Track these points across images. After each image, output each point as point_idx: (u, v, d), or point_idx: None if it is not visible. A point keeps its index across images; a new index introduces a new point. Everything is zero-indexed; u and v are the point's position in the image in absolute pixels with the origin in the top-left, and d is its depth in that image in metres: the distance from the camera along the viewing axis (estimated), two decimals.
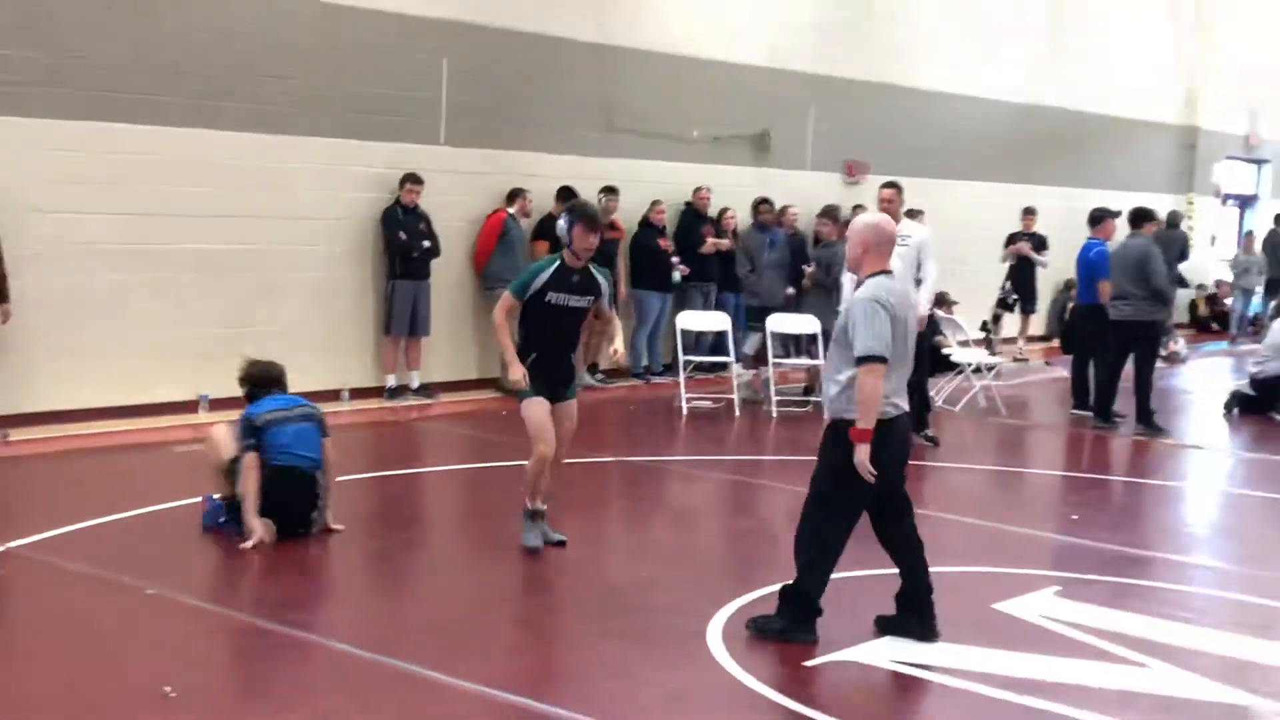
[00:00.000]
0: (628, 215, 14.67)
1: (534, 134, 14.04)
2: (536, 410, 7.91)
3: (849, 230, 6.81)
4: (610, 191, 14.28)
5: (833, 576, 6.68)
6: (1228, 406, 14.74)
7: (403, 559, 8.22)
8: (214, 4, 11.63)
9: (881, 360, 6.33)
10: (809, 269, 14.04)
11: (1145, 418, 13.19)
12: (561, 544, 8.17)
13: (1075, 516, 9.90)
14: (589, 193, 14.17)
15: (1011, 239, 18.34)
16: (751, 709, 5.86)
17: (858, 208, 15.90)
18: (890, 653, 6.49)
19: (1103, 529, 9.46)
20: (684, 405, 13.26)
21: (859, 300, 6.48)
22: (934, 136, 18.51)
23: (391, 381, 12.95)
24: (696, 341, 14.74)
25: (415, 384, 13.05)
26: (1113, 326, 13.18)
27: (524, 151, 13.92)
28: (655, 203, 14.78)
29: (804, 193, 16.36)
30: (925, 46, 18.49)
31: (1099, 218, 14.18)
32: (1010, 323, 18.55)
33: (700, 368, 14.61)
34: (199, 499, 8.39)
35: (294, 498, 8.17)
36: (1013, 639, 6.83)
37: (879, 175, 17.32)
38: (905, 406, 6.61)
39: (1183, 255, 21.39)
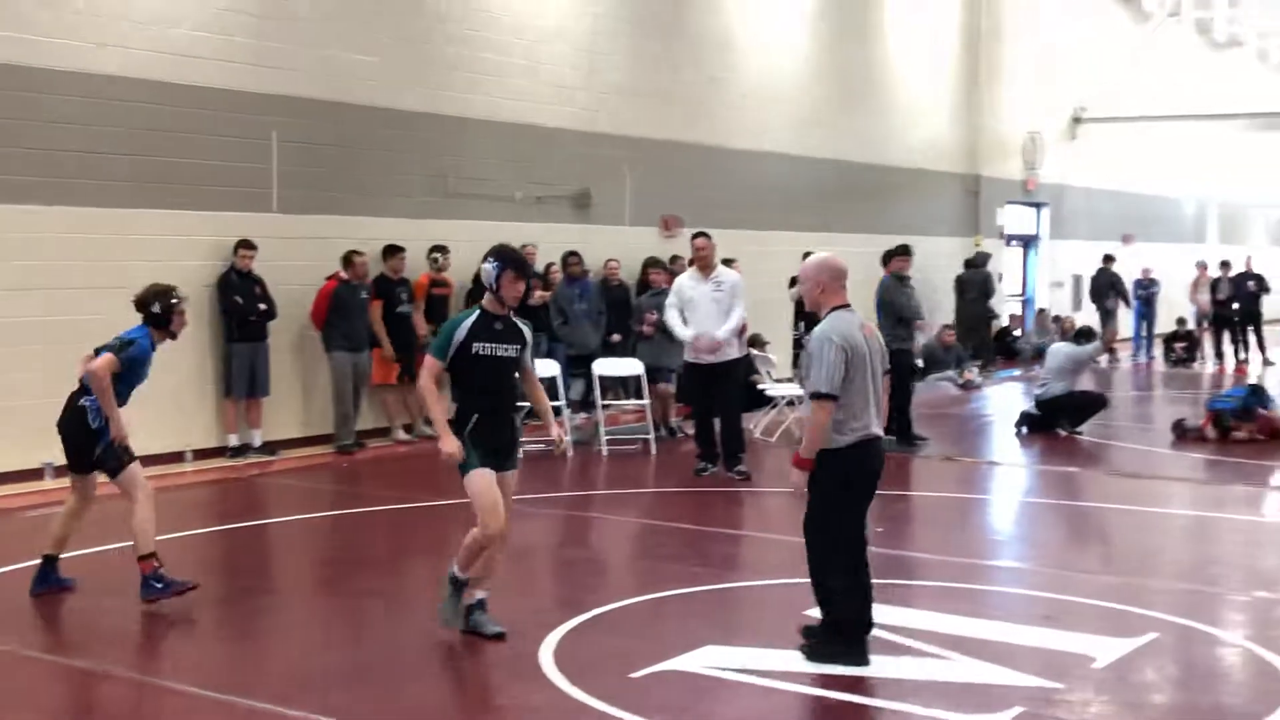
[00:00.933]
0: (459, 273, 14.69)
1: (364, 199, 14.00)
2: (482, 482, 6.82)
3: (802, 272, 6.65)
4: (441, 250, 14.32)
5: (656, 595, 6.75)
6: (1018, 426, 15.24)
7: (246, 604, 8.09)
8: (51, 84, 11.40)
9: (831, 398, 6.33)
10: (653, 316, 14.09)
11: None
12: (499, 637, 6.93)
13: (880, 529, 10.13)
14: (419, 252, 14.23)
15: (794, 280, 18.77)
16: (579, 717, 5.92)
17: (675, 259, 16.15)
18: (708, 660, 6.59)
19: (905, 539, 9.74)
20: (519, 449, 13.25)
21: (815, 337, 6.48)
22: (742, 191, 18.87)
23: (234, 441, 12.76)
24: None
25: (257, 442, 12.86)
26: None
27: (355, 216, 13.87)
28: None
29: (625, 246, 16.57)
30: (732, 108, 18.88)
31: (890, 257, 14.71)
32: None
33: (534, 413, 14.59)
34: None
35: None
36: None
37: (693, 228, 17.71)
38: (878, 430, 6.58)
39: (987, 292, 22.36)
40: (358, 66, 13.81)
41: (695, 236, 12.30)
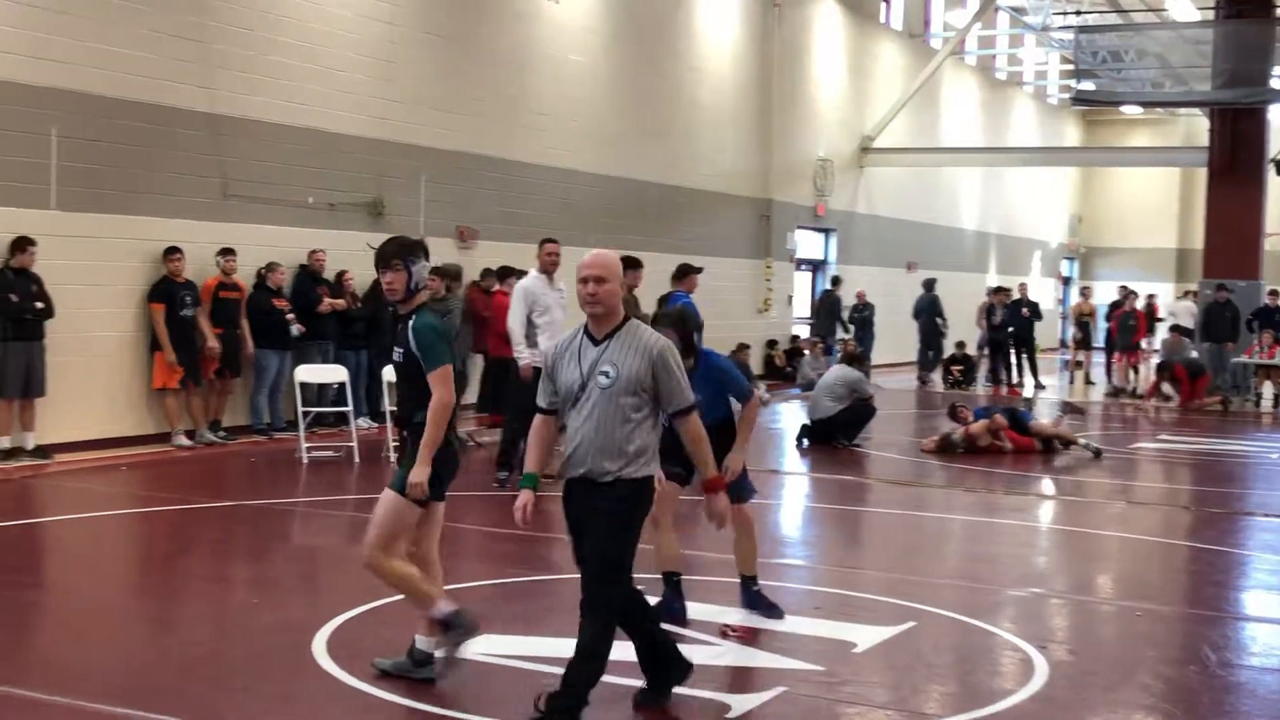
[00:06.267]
0: (247, 277, 14.49)
1: (148, 199, 13.68)
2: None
3: (613, 268, 5.66)
4: (228, 253, 14.10)
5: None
6: (799, 439, 15.69)
7: (12, 599, 7.86)
8: None
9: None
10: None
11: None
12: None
13: None
14: (206, 255, 13.99)
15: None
16: (348, 701, 5.95)
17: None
18: (480, 647, 6.62)
19: (691, 540, 9.87)
20: (304, 455, 13.11)
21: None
22: (536, 205, 18.99)
23: (5, 443, 12.29)
24: (319, 395, 14.61)
25: (30, 445, 12.42)
26: None
27: (138, 216, 13.55)
28: (272, 264, 14.64)
29: None
30: (528, 124, 18.98)
31: (684, 273, 14.95)
32: None
33: (322, 420, 14.48)
34: None
35: None
36: None
37: (487, 241, 17.84)
38: None
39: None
40: (141, 63, 13.50)
41: (546, 242, 12.14)
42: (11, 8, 12.38)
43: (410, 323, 6.11)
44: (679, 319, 7.35)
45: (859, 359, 16.42)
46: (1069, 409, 15.98)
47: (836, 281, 26.25)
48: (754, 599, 7.66)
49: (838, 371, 16.14)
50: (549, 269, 11.94)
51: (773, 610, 7.57)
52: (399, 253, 6.14)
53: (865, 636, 7.20)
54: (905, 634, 7.33)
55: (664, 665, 6.01)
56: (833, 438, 15.48)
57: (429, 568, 6.32)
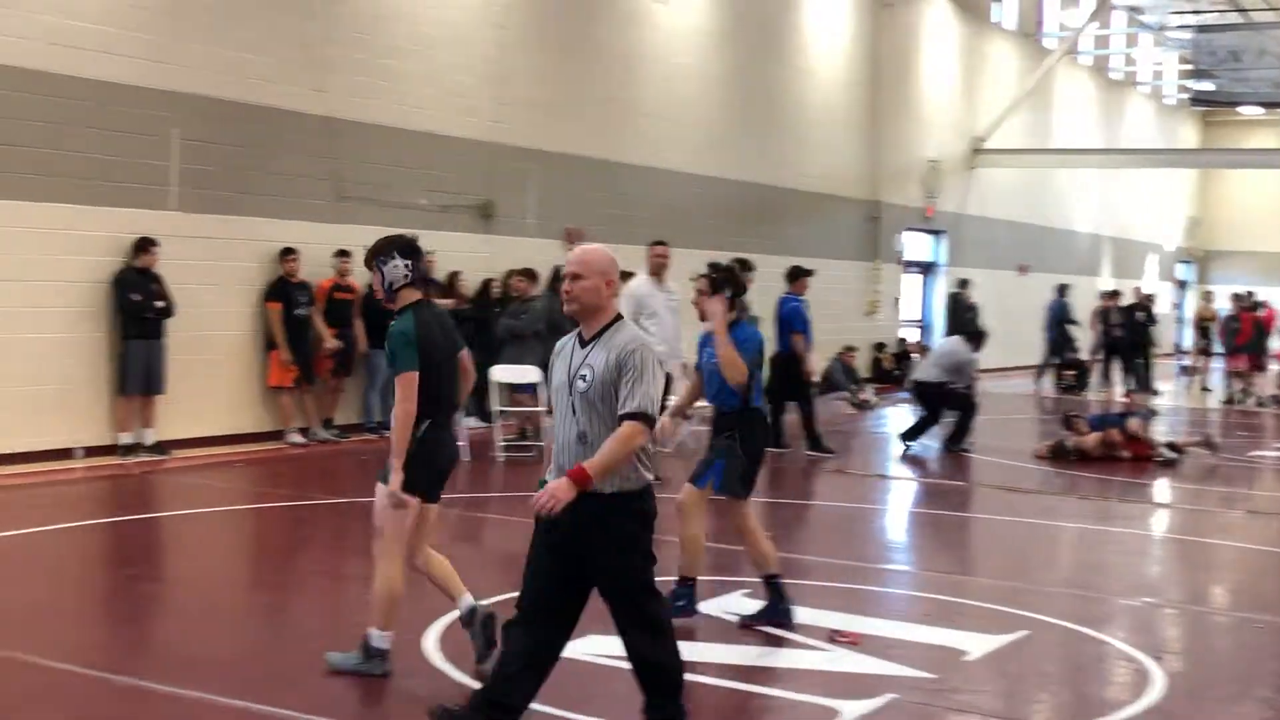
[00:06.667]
0: (361, 278, 14.70)
1: (265, 201, 13.96)
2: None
3: (591, 264, 5.24)
4: (343, 254, 14.33)
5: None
6: (905, 444, 15.47)
7: (133, 589, 8.06)
8: None
9: (651, 424, 5.16)
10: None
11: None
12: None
13: (770, 534, 10.30)
14: (321, 256, 14.24)
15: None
16: (458, 697, 5.98)
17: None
18: (589, 648, 6.66)
19: (798, 543, 9.91)
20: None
21: (634, 347, 5.19)
22: (644, 207, 19.01)
23: (126, 439, 12.61)
24: None
25: (149, 441, 12.73)
26: None
27: (255, 217, 13.83)
28: None
29: (528, 259, 16.61)
30: (636, 126, 19.06)
31: (795, 275, 14.92)
32: None
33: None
34: None
35: None
36: (704, 632, 7.12)
37: (595, 243, 17.86)
38: None
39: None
40: (260, 67, 13.78)
41: (655, 244, 12.17)
42: (134, 12, 12.68)
43: (390, 326, 6.16)
44: (716, 268, 7.34)
45: (981, 338, 16.02)
46: (1207, 444, 15.59)
47: (964, 284, 25.88)
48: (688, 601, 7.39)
49: (954, 345, 16.01)
50: (657, 271, 11.97)
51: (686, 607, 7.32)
52: (371, 256, 6.25)
53: (976, 644, 7.11)
54: (1017, 643, 7.24)
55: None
56: (931, 406, 15.42)
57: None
